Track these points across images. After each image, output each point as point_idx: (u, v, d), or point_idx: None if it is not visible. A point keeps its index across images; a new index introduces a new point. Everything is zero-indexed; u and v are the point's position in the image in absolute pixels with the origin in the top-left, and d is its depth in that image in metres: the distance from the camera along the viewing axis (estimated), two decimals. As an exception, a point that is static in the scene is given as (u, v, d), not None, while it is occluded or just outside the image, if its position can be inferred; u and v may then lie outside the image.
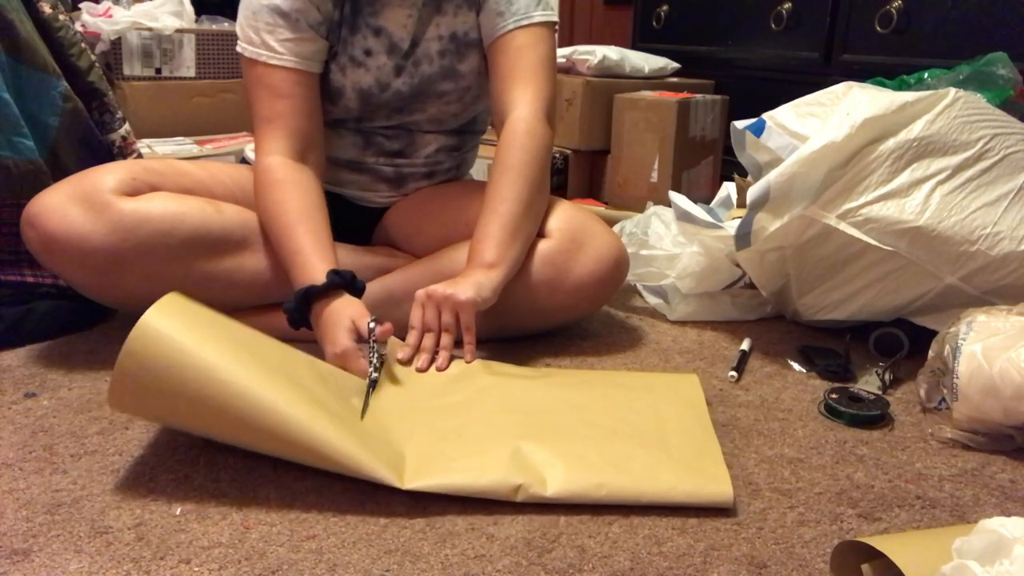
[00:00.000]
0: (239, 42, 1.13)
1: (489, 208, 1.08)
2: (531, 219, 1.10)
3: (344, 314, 0.97)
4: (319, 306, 0.99)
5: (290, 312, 1.00)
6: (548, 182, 1.15)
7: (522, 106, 1.12)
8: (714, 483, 0.80)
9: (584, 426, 0.88)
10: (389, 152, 1.24)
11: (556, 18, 1.18)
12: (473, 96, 1.23)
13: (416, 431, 0.86)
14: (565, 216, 1.14)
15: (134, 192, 1.05)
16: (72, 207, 1.01)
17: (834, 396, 1.01)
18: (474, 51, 1.19)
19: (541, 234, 1.13)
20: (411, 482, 0.78)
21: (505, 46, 1.14)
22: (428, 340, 1.02)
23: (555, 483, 0.78)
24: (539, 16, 1.15)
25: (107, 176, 1.05)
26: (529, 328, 1.17)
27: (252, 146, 1.34)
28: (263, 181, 1.09)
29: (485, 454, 0.82)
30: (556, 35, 1.20)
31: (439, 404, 0.92)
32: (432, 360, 1.01)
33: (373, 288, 1.16)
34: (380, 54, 1.16)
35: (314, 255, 1.02)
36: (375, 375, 0.92)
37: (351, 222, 1.27)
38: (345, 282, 1.00)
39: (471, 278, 1.03)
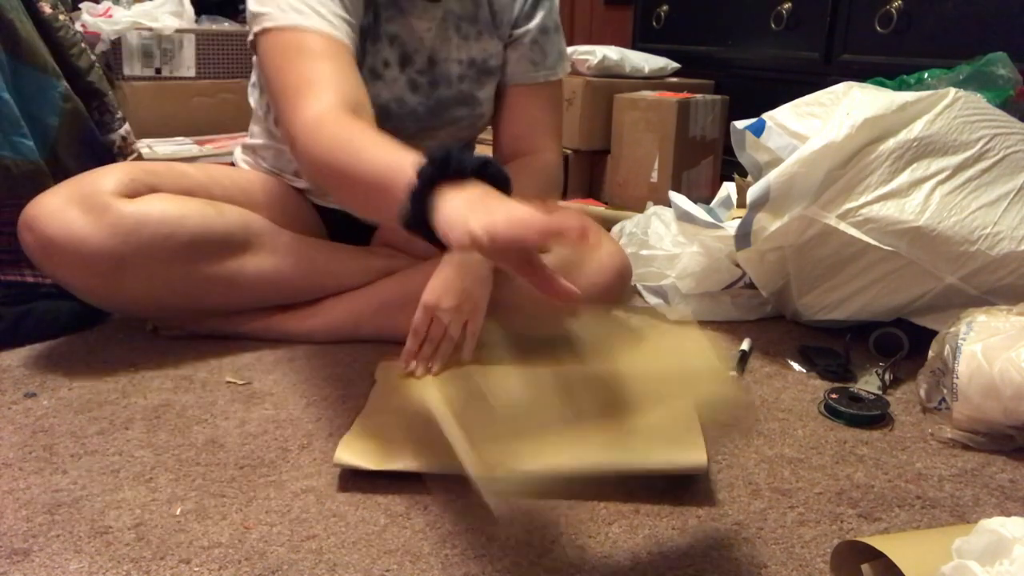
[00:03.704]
0: (262, 15, 0.96)
1: None
2: None
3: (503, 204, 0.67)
4: (444, 195, 0.69)
5: (405, 214, 0.71)
6: None
7: (551, 152, 1.21)
8: (689, 452, 0.82)
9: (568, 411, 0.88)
10: None
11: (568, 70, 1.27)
12: (484, 123, 1.25)
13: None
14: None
15: (133, 194, 1.04)
16: (71, 210, 1.01)
17: (834, 396, 1.01)
18: (492, 79, 1.20)
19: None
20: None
21: (534, 95, 1.21)
22: (428, 349, 1.02)
23: (535, 459, 0.79)
24: (562, 73, 1.22)
25: (106, 178, 1.04)
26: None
27: (242, 147, 1.33)
28: (308, 133, 0.87)
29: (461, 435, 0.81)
30: None
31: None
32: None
33: (379, 289, 1.16)
34: (394, 66, 1.14)
35: (408, 157, 0.74)
36: None
37: (349, 228, 1.27)
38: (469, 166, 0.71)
39: (484, 271, 1.03)
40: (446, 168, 0.70)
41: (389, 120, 1.15)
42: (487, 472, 0.80)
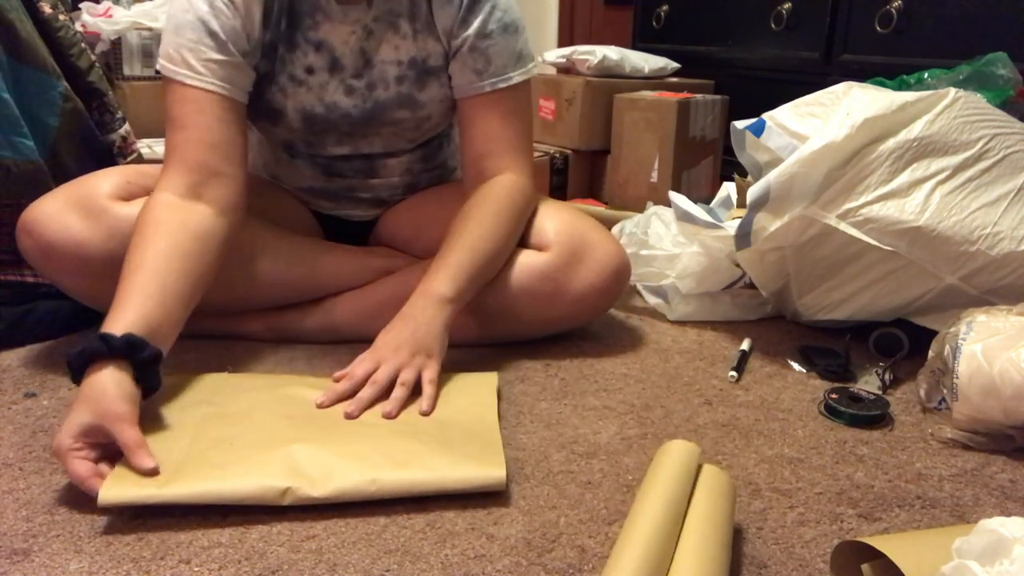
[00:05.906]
0: (159, 59, 1.04)
1: (463, 241, 1.03)
2: (496, 266, 1.07)
3: (89, 407, 0.79)
4: (89, 371, 0.81)
5: (70, 363, 0.82)
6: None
7: (515, 171, 1.11)
8: (488, 468, 0.79)
9: (364, 427, 0.86)
10: (354, 176, 1.21)
11: (535, 70, 1.14)
12: (433, 125, 1.18)
13: (185, 441, 0.82)
14: (564, 228, 1.11)
15: (129, 196, 1.05)
16: (69, 214, 1.01)
17: (834, 396, 1.01)
18: (435, 80, 1.12)
19: (540, 246, 1.11)
20: (163, 489, 0.74)
21: (487, 107, 1.10)
22: (372, 391, 0.93)
23: (326, 483, 0.76)
24: (518, 76, 1.10)
25: (102, 182, 1.04)
26: (530, 336, 1.17)
27: None
28: (139, 220, 0.96)
29: (252, 459, 0.78)
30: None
31: (214, 412, 0.88)
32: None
33: (378, 290, 1.16)
34: (322, 71, 1.09)
35: (129, 307, 0.86)
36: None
37: (346, 232, 1.27)
38: (114, 349, 0.81)
39: (436, 327, 0.98)
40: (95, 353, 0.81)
41: (316, 123, 1.13)
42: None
